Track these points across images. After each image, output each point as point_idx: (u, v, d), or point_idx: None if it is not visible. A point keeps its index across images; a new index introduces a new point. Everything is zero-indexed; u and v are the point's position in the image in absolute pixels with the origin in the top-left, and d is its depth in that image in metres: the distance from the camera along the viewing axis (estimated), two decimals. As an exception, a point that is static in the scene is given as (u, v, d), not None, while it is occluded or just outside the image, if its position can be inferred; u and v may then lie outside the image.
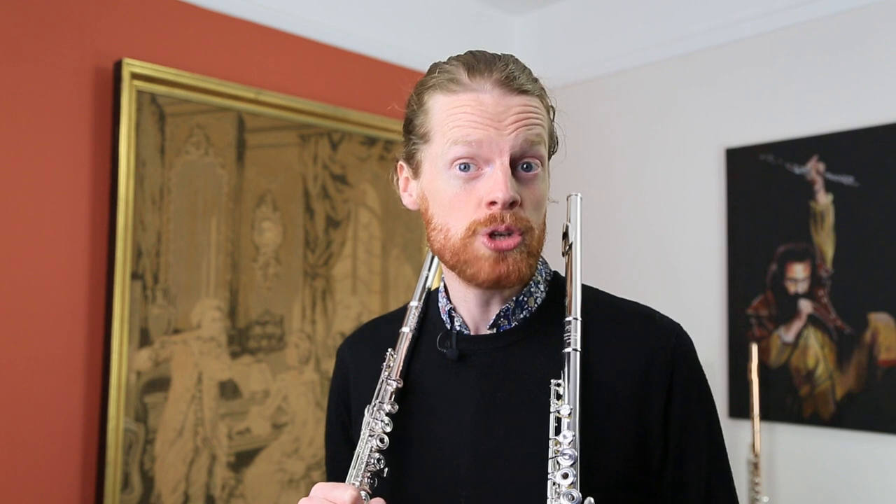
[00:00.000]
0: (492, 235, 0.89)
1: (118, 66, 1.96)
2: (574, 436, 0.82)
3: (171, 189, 2.05)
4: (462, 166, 0.90)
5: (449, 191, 0.91)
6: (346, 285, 2.45)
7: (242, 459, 2.16)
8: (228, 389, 2.14)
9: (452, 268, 0.93)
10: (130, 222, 1.95)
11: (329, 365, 2.37)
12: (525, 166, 0.91)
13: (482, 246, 0.89)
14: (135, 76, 1.97)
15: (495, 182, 0.88)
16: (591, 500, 0.79)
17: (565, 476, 0.80)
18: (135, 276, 1.96)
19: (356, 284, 2.47)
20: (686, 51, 2.59)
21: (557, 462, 0.81)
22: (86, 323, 1.92)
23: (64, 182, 1.90)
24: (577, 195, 0.99)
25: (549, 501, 0.80)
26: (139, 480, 1.95)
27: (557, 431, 0.84)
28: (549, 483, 0.81)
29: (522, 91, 0.91)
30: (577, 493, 0.79)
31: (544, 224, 0.95)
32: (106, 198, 1.97)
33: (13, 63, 1.84)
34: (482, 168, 0.90)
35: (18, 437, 1.81)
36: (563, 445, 0.82)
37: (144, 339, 1.98)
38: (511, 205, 0.88)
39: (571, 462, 0.80)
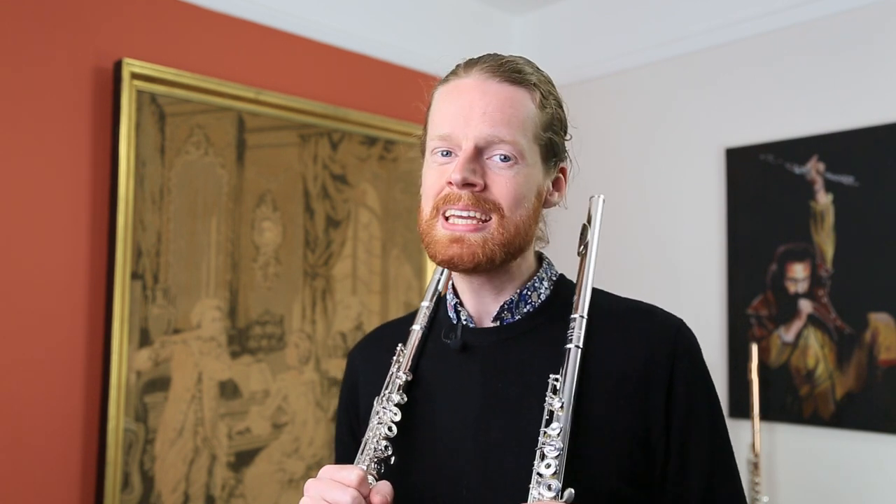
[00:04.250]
0: (448, 218, 0.93)
1: (118, 66, 1.96)
2: (561, 428, 0.84)
3: (171, 189, 2.05)
4: (443, 152, 0.95)
5: (428, 174, 0.97)
6: (346, 285, 2.45)
7: (242, 459, 2.16)
8: (228, 389, 2.14)
9: (426, 249, 0.97)
10: (130, 222, 1.95)
11: (329, 365, 2.37)
12: (502, 157, 0.93)
13: (441, 227, 0.93)
14: (135, 76, 1.97)
15: (456, 164, 0.92)
16: (572, 490, 0.80)
17: (548, 466, 0.81)
18: (135, 276, 1.96)
19: (356, 284, 2.47)
20: (686, 51, 2.59)
21: (543, 453, 0.83)
22: (86, 323, 1.92)
23: (64, 182, 1.90)
24: (599, 196, 1.00)
25: (530, 490, 0.82)
26: (139, 480, 1.95)
27: (548, 424, 0.86)
28: (534, 472, 0.83)
29: (508, 81, 0.94)
30: (556, 483, 0.80)
31: (531, 219, 0.95)
32: (106, 198, 1.97)
33: (13, 63, 1.84)
34: (456, 154, 0.94)
35: (18, 437, 1.81)
36: (551, 437, 0.83)
37: (144, 339, 1.98)
38: (468, 186, 0.91)
39: (556, 454, 0.82)
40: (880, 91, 2.18)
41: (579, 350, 0.89)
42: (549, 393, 0.88)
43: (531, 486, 0.82)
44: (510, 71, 0.94)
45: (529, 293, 0.99)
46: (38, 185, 1.86)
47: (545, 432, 0.84)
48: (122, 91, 1.95)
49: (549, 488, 0.80)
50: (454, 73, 0.98)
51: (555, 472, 0.81)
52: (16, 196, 1.83)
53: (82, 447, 1.90)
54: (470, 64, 0.97)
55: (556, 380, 0.88)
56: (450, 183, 0.92)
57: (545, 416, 0.86)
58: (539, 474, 0.82)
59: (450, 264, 0.93)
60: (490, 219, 0.92)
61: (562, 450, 0.82)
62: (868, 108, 2.19)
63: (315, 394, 2.34)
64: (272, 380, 2.24)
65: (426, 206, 0.96)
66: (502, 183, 0.92)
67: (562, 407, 0.85)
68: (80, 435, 1.90)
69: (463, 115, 0.93)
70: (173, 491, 2.01)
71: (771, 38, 2.40)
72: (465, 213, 0.92)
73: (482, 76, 0.94)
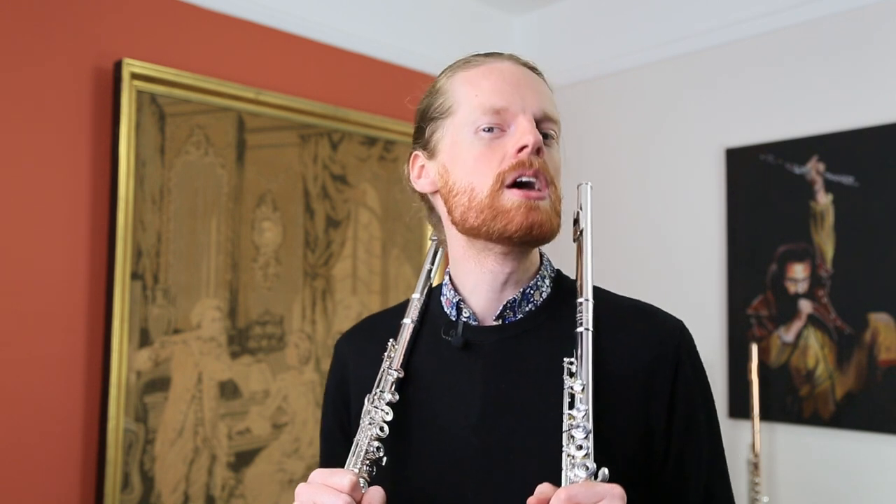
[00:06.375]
0: (519, 186, 0.91)
1: (118, 66, 1.96)
2: (587, 409, 0.82)
3: (171, 189, 2.05)
4: (487, 128, 0.93)
5: (473, 151, 0.93)
6: (346, 285, 2.45)
7: (242, 459, 2.16)
8: (228, 389, 2.14)
9: (478, 229, 0.93)
10: (130, 222, 1.95)
11: (329, 365, 2.37)
12: (543, 135, 0.94)
13: (512, 196, 0.91)
14: (135, 76, 1.97)
15: (523, 130, 0.91)
16: (605, 470, 0.78)
17: (580, 448, 0.80)
18: (135, 276, 1.96)
19: (356, 284, 2.47)
20: (686, 51, 2.59)
21: (572, 435, 0.82)
22: (86, 323, 1.92)
23: (64, 182, 1.90)
24: (587, 184, 1.00)
25: (563, 472, 0.80)
26: (139, 480, 1.95)
27: (571, 407, 0.84)
28: (564, 455, 0.81)
29: (533, 69, 0.98)
30: (591, 464, 0.79)
31: (560, 196, 0.97)
32: (106, 198, 1.97)
33: (13, 63, 1.84)
34: (506, 129, 0.93)
35: (18, 437, 1.81)
36: (577, 419, 0.82)
37: (144, 339, 1.98)
38: (538, 152, 0.91)
39: (585, 434, 0.81)
40: (880, 91, 2.18)
41: (590, 332, 0.88)
42: (566, 377, 0.87)
43: (563, 468, 0.81)
44: (527, 63, 0.99)
45: (532, 291, 0.98)
46: (38, 185, 1.86)
47: (570, 415, 0.83)
48: (122, 91, 1.95)
49: (586, 468, 0.79)
50: (471, 61, 0.98)
51: (587, 454, 0.80)
52: (16, 196, 1.83)
53: (82, 447, 1.90)
54: (491, 55, 0.98)
55: (571, 363, 0.87)
56: (520, 149, 0.90)
57: (566, 400, 0.85)
58: (571, 456, 0.80)
59: (528, 233, 0.90)
60: (550, 185, 0.93)
61: (590, 431, 0.81)
62: (868, 108, 2.19)
63: (315, 394, 2.33)
64: (272, 380, 2.24)
65: (484, 180, 0.91)
66: (550, 161, 0.94)
67: (582, 389, 0.84)
68: (80, 435, 1.90)
69: (516, 90, 0.93)
70: (173, 491, 2.01)
71: (771, 38, 2.40)
72: (534, 180, 0.91)
73: (514, 62, 0.97)
